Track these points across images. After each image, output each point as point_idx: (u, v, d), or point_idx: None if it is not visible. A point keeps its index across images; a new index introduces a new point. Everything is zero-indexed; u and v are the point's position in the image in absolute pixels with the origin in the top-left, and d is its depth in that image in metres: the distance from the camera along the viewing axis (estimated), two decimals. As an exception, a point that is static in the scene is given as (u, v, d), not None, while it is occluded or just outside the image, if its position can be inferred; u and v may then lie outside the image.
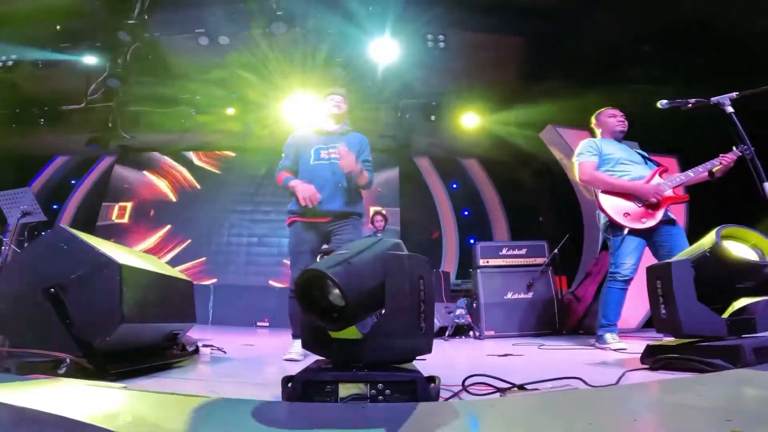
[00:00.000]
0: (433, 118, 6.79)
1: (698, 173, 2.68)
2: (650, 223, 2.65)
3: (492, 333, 4.05)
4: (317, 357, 1.36)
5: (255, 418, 0.85)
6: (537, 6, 4.87)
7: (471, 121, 6.70)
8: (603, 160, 2.86)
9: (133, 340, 1.52)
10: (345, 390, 1.08)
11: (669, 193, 2.70)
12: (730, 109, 2.17)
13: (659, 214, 2.67)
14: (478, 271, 4.30)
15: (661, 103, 2.38)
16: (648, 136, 4.85)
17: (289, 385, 1.09)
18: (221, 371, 1.96)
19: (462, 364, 2.45)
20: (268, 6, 4.99)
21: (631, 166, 2.83)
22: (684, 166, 4.27)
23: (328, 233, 2.48)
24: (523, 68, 5.82)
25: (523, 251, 4.41)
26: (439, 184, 7.96)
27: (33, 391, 0.92)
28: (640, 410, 0.89)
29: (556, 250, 4.39)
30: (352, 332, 1.25)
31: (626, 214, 2.68)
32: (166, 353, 1.81)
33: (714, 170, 2.62)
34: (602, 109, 3.11)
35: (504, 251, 4.40)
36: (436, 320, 4.16)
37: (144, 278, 1.55)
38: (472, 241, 6.72)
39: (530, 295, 4.22)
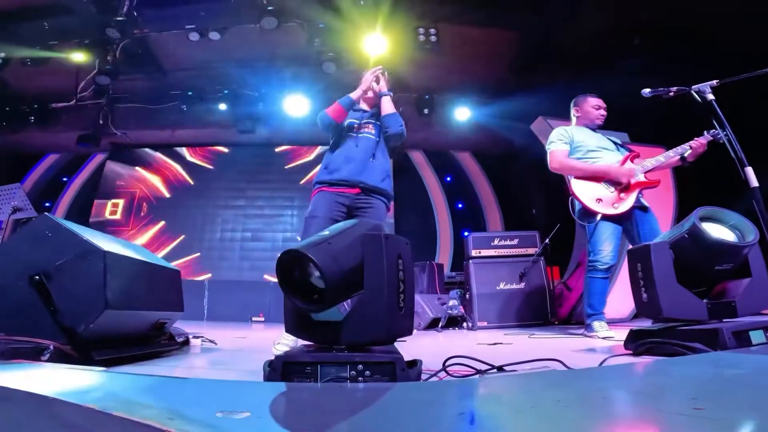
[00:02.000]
0: (426, 111, 6.81)
1: (669, 158, 2.70)
2: (623, 207, 2.65)
3: (485, 324, 4.08)
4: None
5: (229, 396, 0.87)
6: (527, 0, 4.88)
7: (463, 114, 6.72)
8: (574, 148, 2.88)
9: (118, 327, 1.53)
10: (326, 371, 1.09)
11: (641, 177, 2.71)
12: (710, 97, 2.18)
13: (631, 199, 2.67)
14: (471, 261, 4.32)
15: (644, 92, 2.40)
16: (637, 126, 4.88)
17: (270, 366, 1.10)
18: (209, 360, 1.97)
19: (451, 351, 2.47)
20: (258, 1, 4.96)
21: (602, 153, 2.84)
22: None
23: (353, 208, 2.43)
24: (514, 61, 5.83)
25: (515, 242, 4.43)
26: (433, 177, 7.97)
27: (10, 373, 0.93)
28: (611, 389, 0.91)
29: (547, 240, 4.42)
30: (334, 314, 1.26)
31: (598, 200, 2.69)
32: (154, 342, 1.81)
33: (686, 155, 2.65)
34: (586, 96, 3.09)
35: (496, 242, 4.43)
36: (429, 311, 4.19)
37: (129, 266, 1.55)
38: (466, 233, 6.74)
39: (522, 285, 4.25)
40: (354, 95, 2.55)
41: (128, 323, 1.60)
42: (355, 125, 2.55)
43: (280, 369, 1.10)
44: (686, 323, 1.55)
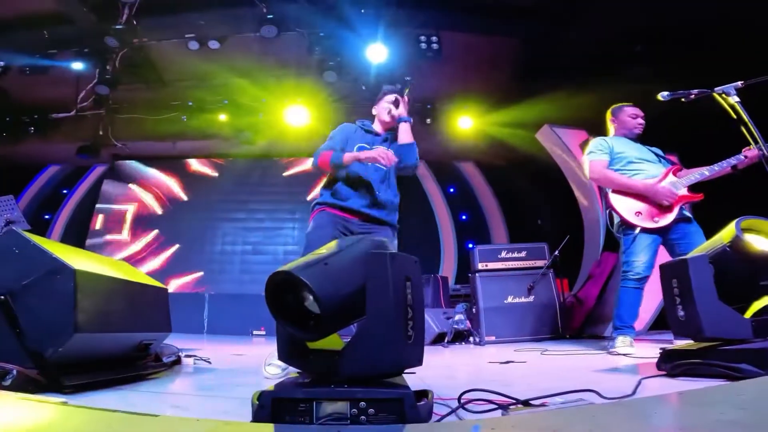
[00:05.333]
0: (428, 121, 6.70)
1: (714, 172, 2.59)
2: (663, 222, 2.57)
3: (493, 338, 3.91)
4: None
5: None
6: (530, 6, 4.80)
7: (466, 123, 6.61)
8: (614, 158, 2.79)
9: (92, 350, 1.38)
10: (322, 409, 0.93)
11: (683, 192, 2.62)
12: (735, 99, 2.05)
13: (673, 214, 2.58)
14: (477, 275, 4.17)
15: (662, 95, 2.28)
16: (647, 133, 4.75)
17: (258, 401, 0.95)
18: (197, 384, 1.81)
19: (461, 372, 2.31)
20: (258, 9, 4.90)
21: (644, 165, 2.75)
22: (685, 163, 4.16)
23: (356, 233, 2.25)
24: (517, 69, 5.74)
25: (523, 254, 4.28)
26: (436, 188, 7.85)
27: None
28: (673, 429, 0.74)
29: (556, 252, 4.25)
30: (333, 341, 1.11)
31: (638, 213, 2.61)
32: (137, 365, 1.65)
33: (737, 164, 2.53)
34: (622, 105, 3.01)
35: (503, 254, 4.27)
36: (434, 326, 4.03)
37: (105, 285, 1.40)
38: (470, 245, 6.57)
39: (531, 298, 4.09)
40: (346, 159, 2.21)
41: (104, 346, 1.45)
42: (365, 150, 2.33)
43: (269, 406, 0.95)
44: (728, 342, 1.39)
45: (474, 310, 4.15)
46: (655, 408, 0.90)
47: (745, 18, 3.86)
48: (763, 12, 3.59)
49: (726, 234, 1.40)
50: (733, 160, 2.52)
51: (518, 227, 7.39)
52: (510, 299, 4.08)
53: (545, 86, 5.51)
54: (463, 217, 7.82)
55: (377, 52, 5.20)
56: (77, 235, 7.45)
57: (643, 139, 2.99)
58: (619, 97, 5.00)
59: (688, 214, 2.68)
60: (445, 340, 3.91)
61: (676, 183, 2.63)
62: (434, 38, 5.27)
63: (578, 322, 4.40)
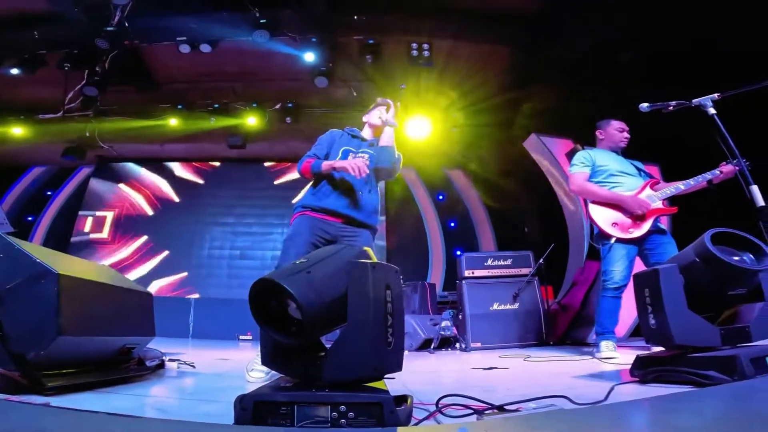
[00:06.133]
0: (418, 128, 6.75)
1: (689, 186, 2.71)
2: (638, 233, 2.67)
3: (478, 345, 3.94)
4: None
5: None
6: (520, 15, 4.88)
7: (456, 131, 6.67)
8: (596, 171, 2.91)
9: (75, 353, 1.38)
10: (303, 412, 0.95)
11: (658, 204, 2.73)
12: (712, 111, 2.12)
13: (646, 225, 2.69)
14: (463, 282, 4.21)
15: (642, 107, 2.35)
16: (631, 143, 4.86)
17: (240, 404, 0.97)
18: (180, 387, 1.81)
19: (445, 378, 2.34)
20: (251, 14, 4.92)
21: (624, 178, 2.86)
22: (666, 174, 4.26)
23: (336, 237, 2.27)
24: (507, 77, 5.82)
25: (509, 261, 4.34)
26: (425, 195, 7.90)
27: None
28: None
29: (541, 260, 4.32)
30: (316, 347, 1.13)
31: (614, 224, 2.72)
32: (120, 368, 1.66)
33: (712, 178, 2.63)
34: (609, 120, 3.12)
35: (489, 262, 4.33)
36: (421, 332, 4.05)
37: (88, 289, 1.41)
38: (458, 252, 6.63)
39: (516, 305, 4.14)
40: (324, 167, 2.26)
41: (87, 349, 1.45)
42: (350, 154, 2.41)
43: (251, 409, 0.97)
44: (697, 350, 1.44)
45: (460, 316, 4.18)
46: (620, 414, 0.95)
47: (733, 25, 3.95)
48: (750, 19, 3.70)
49: (696, 245, 1.46)
50: (708, 175, 2.63)
51: (505, 234, 7.47)
52: (496, 306, 4.13)
53: (533, 95, 5.62)
54: (452, 224, 7.87)
55: (368, 58, 5.25)
56: (61, 237, 7.34)
57: (629, 149, 3.10)
58: (606, 106, 5.11)
59: (662, 226, 2.79)
60: (432, 347, 3.94)
61: (652, 196, 2.75)
62: (426, 45, 5.35)
63: (562, 328, 4.46)
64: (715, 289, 1.42)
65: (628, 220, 2.71)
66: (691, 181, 2.69)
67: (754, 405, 1.00)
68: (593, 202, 2.81)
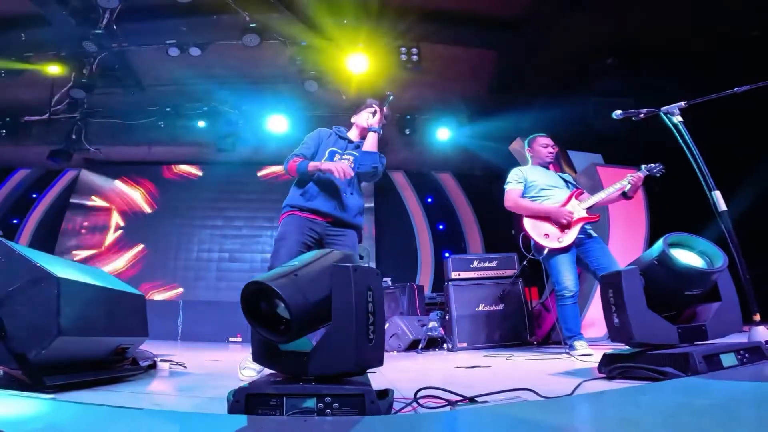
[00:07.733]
0: (407, 131, 6.86)
1: (609, 194, 2.96)
2: (567, 240, 2.88)
3: (465, 345, 4.05)
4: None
5: (183, 431, 0.81)
6: (507, 19, 4.98)
7: (444, 134, 6.79)
8: (528, 187, 3.12)
9: (73, 353, 1.45)
10: (291, 403, 1.04)
11: (582, 213, 2.95)
12: (677, 119, 2.25)
13: (573, 232, 2.90)
14: (450, 284, 4.32)
15: (615, 114, 2.50)
16: (613, 148, 5.01)
17: (233, 397, 1.05)
18: (174, 385, 1.88)
19: (429, 376, 2.43)
20: (241, 17, 4.97)
21: (553, 191, 3.07)
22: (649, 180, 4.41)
23: (324, 236, 2.36)
24: (494, 81, 5.93)
25: (494, 263, 4.46)
26: (414, 198, 8.00)
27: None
28: (581, 423, 0.89)
29: (525, 262, 4.44)
30: (303, 344, 1.22)
31: (546, 235, 2.94)
32: (115, 368, 1.72)
33: (626, 190, 2.90)
34: (536, 136, 3.32)
35: (475, 264, 4.44)
36: (409, 333, 4.14)
37: (86, 292, 1.48)
38: (447, 254, 6.75)
39: (501, 306, 4.26)
40: (310, 168, 2.34)
41: (85, 349, 1.52)
42: (336, 155, 2.50)
43: (243, 401, 1.05)
44: (656, 347, 1.56)
45: (447, 317, 4.28)
46: (575, 406, 1.05)
47: (714, 32, 4.11)
48: (733, 26, 3.85)
49: (655, 248, 1.58)
50: (618, 185, 2.90)
51: (493, 237, 7.59)
52: (481, 307, 4.24)
53: (520, 99, 5.74)
54: (441, 226, 7.99)
55: (358, 63, 5.33)
56: (46, 239, 7.28)
57: (610, 153, 3.28)
58: (590, 109, 5.24)
59: (591, 231, 3.00)
60: (419, 347, 4.03)
61: (576, 205, 2.97)
62: (414, 49, 5.44)
63: (546, 328, 4.59)
64: (673, 290, 1.54)
65: (557, 230, 2.90)
66: (610, 189, 2.94)
67: (700, 399, 1.11)
68: (526, 216, 3.02)
